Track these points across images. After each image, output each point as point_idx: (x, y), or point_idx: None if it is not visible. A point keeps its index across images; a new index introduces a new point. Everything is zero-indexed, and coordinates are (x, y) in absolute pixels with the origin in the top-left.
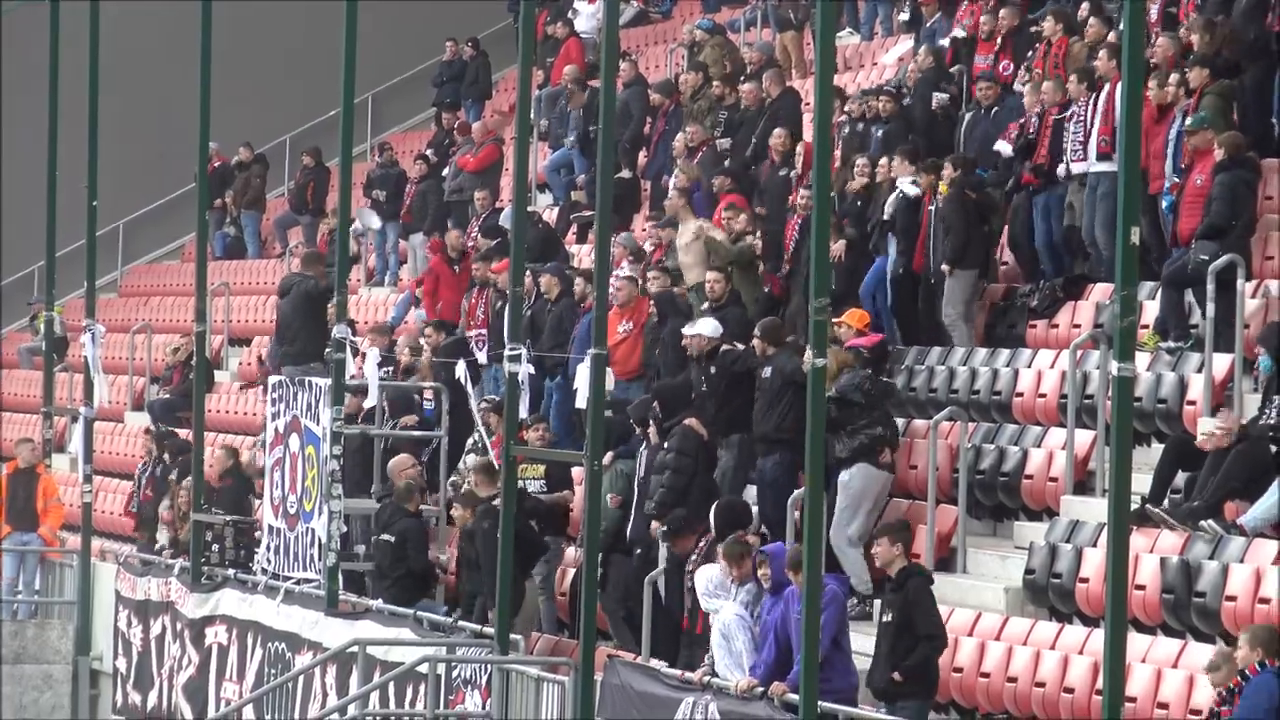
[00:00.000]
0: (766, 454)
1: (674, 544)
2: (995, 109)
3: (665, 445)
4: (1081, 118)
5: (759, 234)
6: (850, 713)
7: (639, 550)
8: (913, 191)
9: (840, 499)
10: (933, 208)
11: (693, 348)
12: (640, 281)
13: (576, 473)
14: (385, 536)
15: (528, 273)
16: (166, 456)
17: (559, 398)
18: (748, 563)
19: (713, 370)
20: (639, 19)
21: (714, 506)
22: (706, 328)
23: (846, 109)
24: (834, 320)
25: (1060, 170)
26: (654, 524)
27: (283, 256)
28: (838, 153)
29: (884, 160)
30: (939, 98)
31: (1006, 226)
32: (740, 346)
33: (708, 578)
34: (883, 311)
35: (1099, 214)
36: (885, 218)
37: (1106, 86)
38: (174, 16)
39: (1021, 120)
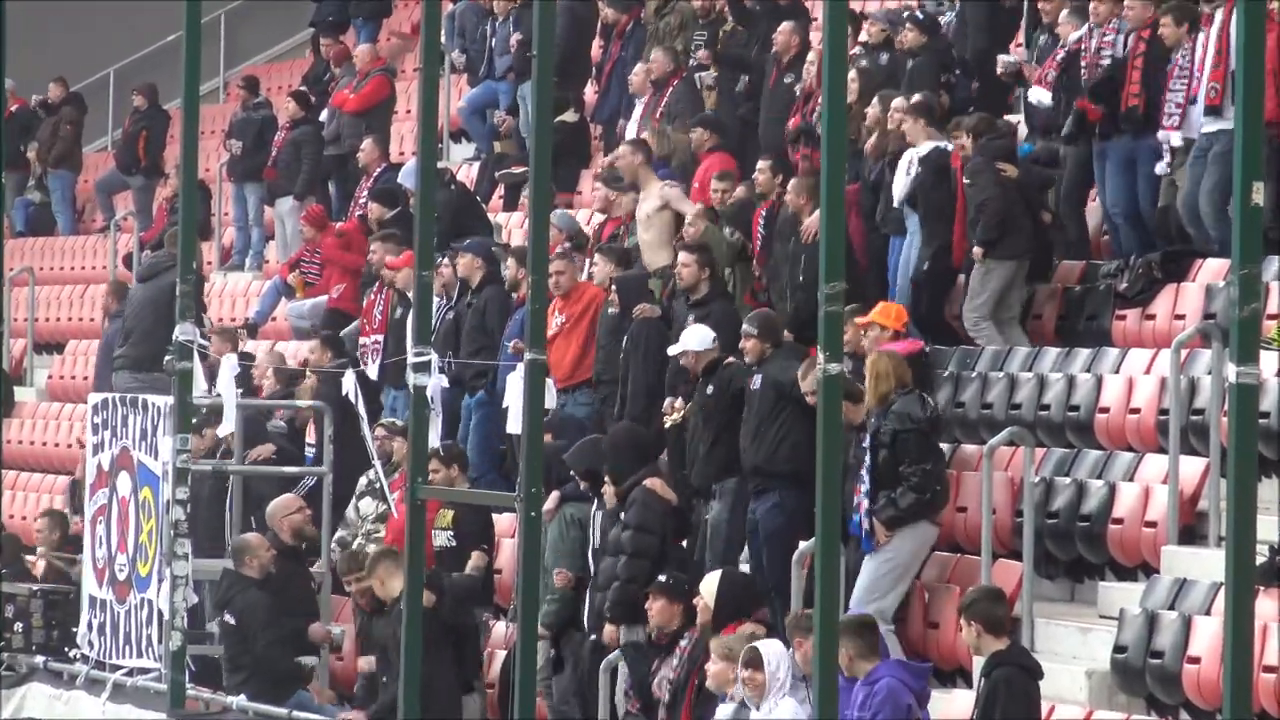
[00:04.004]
0: (759, 494)
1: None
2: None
3: (622, 516)
4: (1185, 67)
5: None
6: None
7: (594, 636)
8: (926, 149)
9: (879, 565)
10: (967, 181)
11: (690, 368)
12: (578, 262)
13: (502, 522)
14: (227, 617)
15: (444, 258)
16: None
17: (480, 418)
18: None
19: (709, 391)
20: None
21: (718, 580)
22: (694, 339)
23: (863, 38)
24: (858, 320)
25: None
26: (608, 627)
27: (106, 231)
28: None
29: (897, 107)
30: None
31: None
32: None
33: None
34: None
35: (1208, 180)
36: (898, 200)
37: (1218, 17)
38: None
39: (1065, 52)
